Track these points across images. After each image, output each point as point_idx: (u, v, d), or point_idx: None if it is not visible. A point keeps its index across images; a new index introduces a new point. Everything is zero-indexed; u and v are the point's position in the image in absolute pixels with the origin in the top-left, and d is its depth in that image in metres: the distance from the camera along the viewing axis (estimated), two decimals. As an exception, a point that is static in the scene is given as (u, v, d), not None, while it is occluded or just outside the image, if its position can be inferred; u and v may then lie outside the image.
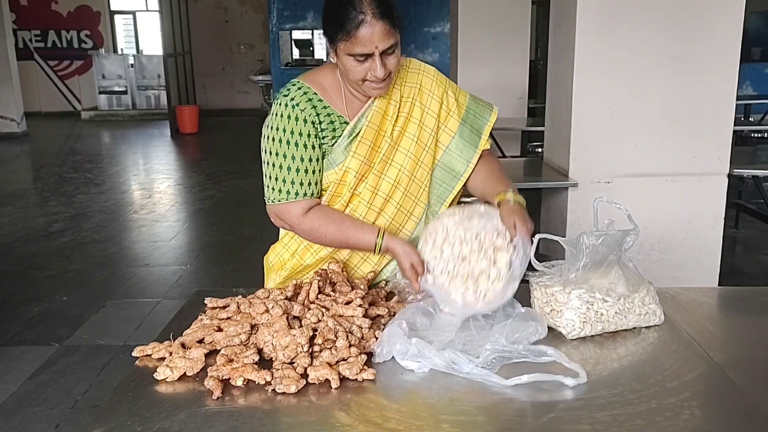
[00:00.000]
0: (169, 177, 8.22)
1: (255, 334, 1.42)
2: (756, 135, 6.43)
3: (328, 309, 1.49)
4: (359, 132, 1.63)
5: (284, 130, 1.59)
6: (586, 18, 3.04)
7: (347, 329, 1.41)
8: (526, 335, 1.41)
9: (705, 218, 3.22)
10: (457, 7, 6.04)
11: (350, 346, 1.35)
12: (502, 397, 1.25)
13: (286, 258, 1.77)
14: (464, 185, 1.77)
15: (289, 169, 1.60)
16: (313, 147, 1.61)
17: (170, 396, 1.27)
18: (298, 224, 1.63)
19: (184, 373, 1.31)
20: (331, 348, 1.35)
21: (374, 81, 1.53)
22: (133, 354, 1.41)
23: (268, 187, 1.63)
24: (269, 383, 1.27)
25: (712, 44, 3.05)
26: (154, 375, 1.31)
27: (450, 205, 1.76)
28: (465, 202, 1.77)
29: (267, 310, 1.45)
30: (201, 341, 1.43)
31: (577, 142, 3.17)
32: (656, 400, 1.23)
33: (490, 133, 1.79)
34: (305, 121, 1.59)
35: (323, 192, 1.68)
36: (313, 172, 1.62)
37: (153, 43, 13.99)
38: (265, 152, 1.62)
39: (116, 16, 14.62)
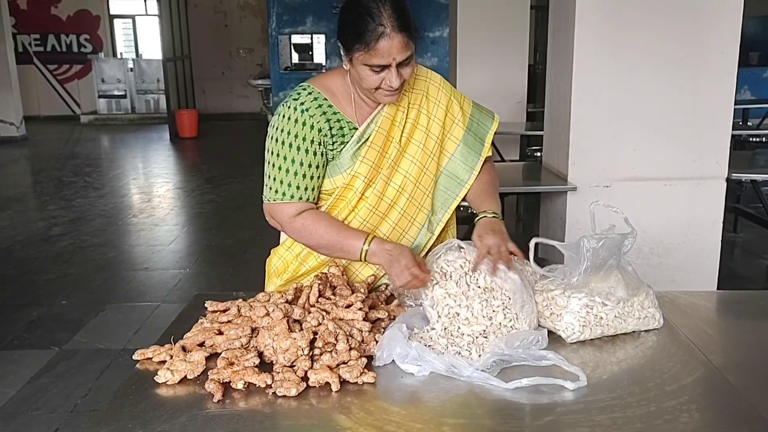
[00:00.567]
0: (169, 181, 8.23)
1: (255, 337, 1.42)
2: (754, 139, 6.44)
3: (328, 312, 1.49)
4: (369, 137, 1.64)
5: (289, 133, 1.59)
6: (585, 23, 3.05)
7: (347, 332, 1.41)
8: (527, 344, 1.41)
9: (704, 222, 3.23)
10: (456, 11, 6.06)
11: (350, 349, 1.36)
12: (501, 401, 1.26)
13: (290, 260, 1.77)
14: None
15: (287, 171, 1.60)
16: (315, 154, 1.61)
17: (171, 399, 1.27)
18: (288, 224, 1.64)
19: (185, 376, 1.32)
20: (331, 351, 1.35)
21: (387, 89, 1.55)
22: (133, 357, 1.41)
23: (268, 187, 1.64)
24: (270, 386, 1.27)
25: (710, 49, 3.06)
26: (154, 378, 1.31)
27: (452, 211, 1.78)
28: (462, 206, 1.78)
29: (267, 314, 1.45)
30: (202, 344, 1.43)
31: (576, 146, 3.18)
32: (655, 404, 1.24)
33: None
34: (312, 127, 1.59)
35: (328, 196, 1.69)
36: (312, 178, 1.63)
37: (152, 48, 14.00)
38: (269, 151, 1.63)
39: (116, 21, 14.64)
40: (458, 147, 1.74)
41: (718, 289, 3.25)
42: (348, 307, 1.50)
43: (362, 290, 1.60)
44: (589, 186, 3.19)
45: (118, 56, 14.40)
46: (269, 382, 1.28)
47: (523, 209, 6.19)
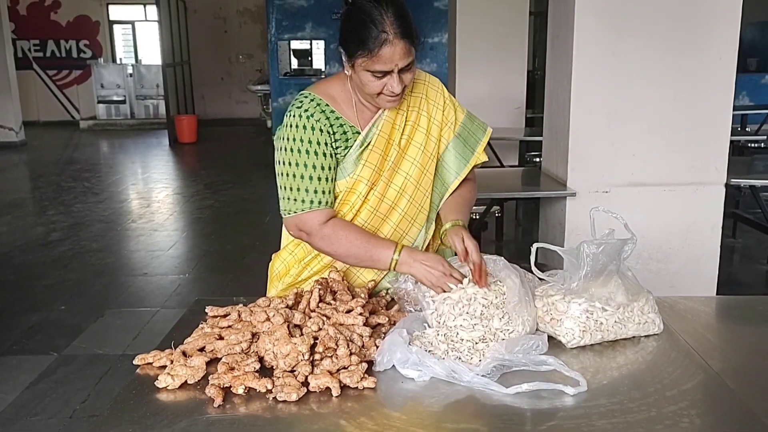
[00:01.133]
0: (168, 186, 8.23)
1: (256, 342, 1.42)
2: (753, 145, 6.46)
3: (328, 317, 1.49)
4: (371, 141, 1.66)
5: (301, 140, 1.60)
6: (584, 29, 3.07)
7: (348, 337, 1.41)
8: (527, 348, 1.41)
9: (703, 227, 3.24)
10: (456, 17, 6.08)
11: (351, 354, 1.36)
12: (502, 406, 1.26)
13: (292, 263, 1.78)
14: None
15: (306, 177, 1.60)
16: (326, 155, 1.62)
17: (171, 404, 1.27)
18: (318, 232, 1.62)
19: (185, 381, 1.32)
20: (331, 356, 1.35)
21: (389, 95, 1.56)
22: (134, 362, 1.41)
23: (286, 198, 1.63)
24: (270, 391, 1.27)
25: (709, 55, 3.07)
26: (155, 383, 1.31)
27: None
28: None
29: (268, 319, 1.45)
30: (202, 349, 1.43)
31: (575, 151, 3.19)
32: (656, 409, 1.24)
33: (486, 147, 1.82)
34: (321, 130, 1.60)
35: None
36: (328, 180, 1.63)
37: (152, 53, 14.03)
38: (281, 164, 1.63)
39: (115, 26, 14.68)
40: (447, 150, 1.76)
41: (717, 294, 3.26)
42: (348, 312, 1.50)
43: (362, 295, 1.60)
44: (589, 191, 3.19)
45: (118, 62, 14.44)
46: (270, 387, 1.28)
47: (523, 215, 6.20)
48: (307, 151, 1.60)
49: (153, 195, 7.73)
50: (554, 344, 1.49)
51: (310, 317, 1.48)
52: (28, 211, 6.95)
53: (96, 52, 14.41)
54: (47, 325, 3.90)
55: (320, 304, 1.55)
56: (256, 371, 1.32)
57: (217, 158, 10.45)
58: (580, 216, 3.18)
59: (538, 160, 4.88)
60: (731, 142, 3.24)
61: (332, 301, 1.57)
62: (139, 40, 14.78)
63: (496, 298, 1.48)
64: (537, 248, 1.56)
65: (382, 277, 1.74)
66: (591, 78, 3.11)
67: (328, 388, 1.28)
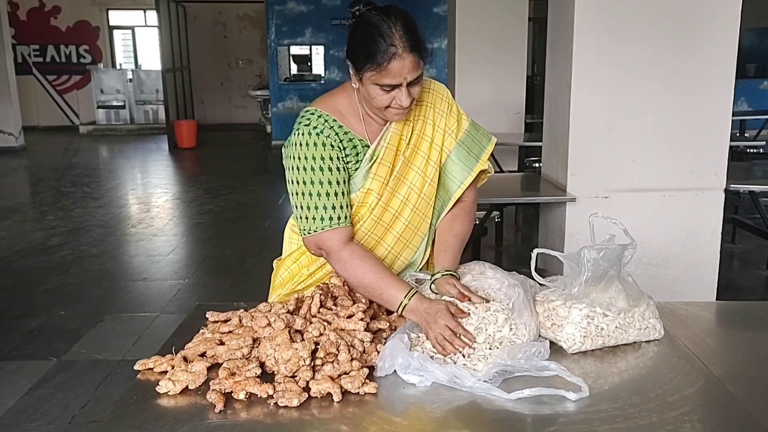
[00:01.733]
0: (167, 191, 8.23)
1: (257, 347, 1.42)
2: (751, 150, 6.47)
3: (329, 323, 1.49)
4: (379, 155, 1.64)
5: (313, 158, 1.57)
6: (583, 35, 3.08)
7: (349, 343, 1.41)
8: (529, 355, 1.41)
9: (702, 233, 3.24)
10: (455, 22, 6.10)
11: (352, 359, 1.36)
12: (503, 411, 1.26)
13: (296, 271, 1.78)
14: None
15: (323, 195, 1.58)
16: (339, 169, 1.59)
17: (172, 409, 1.27)
18: (336, 252, 1.60)
19: (186, 387, 1.32)
20: (333, 362, 1.35)
21: (397, 108, 1.54)
22: (134, 368, 1.41)
23: (303, 218, 1.60)
24: (271, 397, 1.27)
25: (707, 61, 3.09)
26: (155, 388, 1.31)
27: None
28: None
29: (269, 324, 1.45)
30: (203, 355, 1.43)
31: (574, 157, 3.20)
32: (657, 414, 1.24)
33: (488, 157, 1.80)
34: (332, 146, 1.58)
35: None
36: (344, 194, 1.61)
37: (151, 58, 14.06)
38: (295, 183, 1.60)
39: (115, 31, 14.70)
40: (449, 158, 1.72)
41: (716, 299, 3.26)
42: (349, 317, 1.50)
43: (363, 301, 1.60)
44: (588, 197, 3.20)
45: (118, 67, 14.45)
46: (271, 392, 1.28)
47: (522, 220, 6.20)
48: (321, 168, 1.57)
49: (152, 200, 7.73)
50: (555, 350, 1.49)
51: (311, 322, 1.48)
52: (27, 216, 6.94)
53: (96, 58, 14.43)
54: (46, 330, 3.89)
55: (321, 310, 1.55)
56: (258, 376, 1.32)
57: (217, 163, 10.46)
58: (579, 221, 3.18)
59: (537, 165, 4.89)
60: (730, 147, 3.25)
61: (333, 307, 1.57)
62: (138, 45, 14.80)
63: (498, 321, 1.47)
64: (537, 254, 1.57)
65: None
66: (590, 83, 3.11)
67: (329, 394, 1.28)
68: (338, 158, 1.60)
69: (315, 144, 1.57)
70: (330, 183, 1.58)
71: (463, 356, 1.41)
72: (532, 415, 1.25)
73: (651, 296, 1.59)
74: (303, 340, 1.41)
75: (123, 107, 13.83)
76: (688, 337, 1.58)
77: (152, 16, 12.94)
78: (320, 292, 1.59)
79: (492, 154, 1.83)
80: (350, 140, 1.62)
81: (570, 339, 1.49)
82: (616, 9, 3.05)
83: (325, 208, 1.58)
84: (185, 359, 1.40)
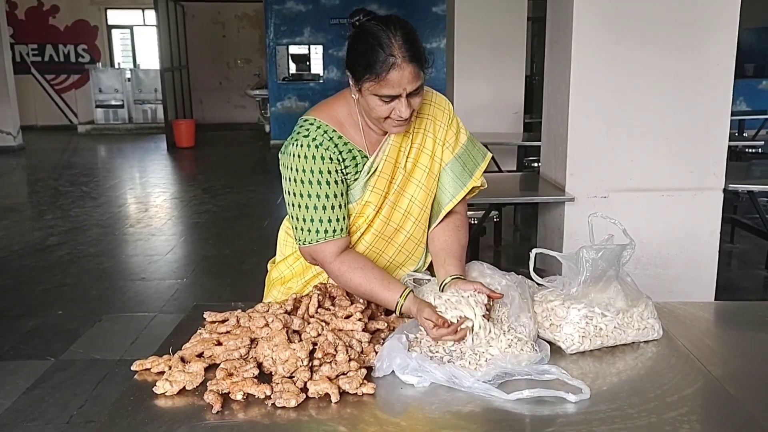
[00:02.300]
0: (166, 191, 8.22)
1: (255, 348, 1.42)
2: (750, 150, 6.48)
3: (327, 323, 1.49)
4: (378, 167, 1.63)
5: (311, 171, 1.55)
6: (582, 34, 3.07)
7: (347, 343, 1.41)
8: (531, 363, 1.40)
9: (701, 233, 3.24)
10: (454, 22, 6.09)
11: (350, 360, 1.35)
12: (502, 412, 1.25)
13: (288, 277, 1.78)
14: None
15: (319, 208, 1.57)
16: (337, 182, 1.58)
17: (169, 410, 1.26)
18: (329, 264, 1.60)
19: (184, 387, 1.31)
20: (330, 362, 1.35)
21: (397, 119, 1.52)
22: (132, 368, 1.40)
23: (299, 229, 1.60)
24: (269, 397, 1.27)
25: (707, 61, 3.08)
26: (153, 389, 1.31)
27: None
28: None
29: (267, 324, 1.45)
30: (200, 355, 1.42)
31: (573, 156, 3.19)
32: (656, 415, 1.24)
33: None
34: (331, 159, 1.57)
35: None
36: (340, 207, 1.60)
37: (150, 58, 14.04)
38: (291, 194, 1.59)
39: (113, 31, 14.68)
40: (444, 171, 1.71)
41: (715, 299, 3.26)
42: (347, 317, 1.50)
43: (361, 301, 1.59)
44: (587, 196, 3.19)
45: (116, 66, 14.44)
46: (268, 393, 1.27)
47: (521, 220, 6.20)
48: (319, 182, 1.56)
49: (151, 199, 7.72)
50: (554, 350, 1.48)
51: (309, 323, 1.48)
52: (25, 216, 6.93)
53: (94, 57, 14.41)
54: (44, 330, 3.89)
55: (319, 310, 1.54)
56: (255, 377, 1.32)
57: (215, 163, 10.45)
58: (578, 221, 3.18)
59: (536, 165, 4.88)
60: (729, 147, 3.25)
61: (331, 307, 1.57)
62: (137, 44, 14.79)
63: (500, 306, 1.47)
64: (536, 254, 1.56)
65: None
66: (589, 83, 3.11)
67: (327, 394, 1.28)
68: (336, 171, 1.58)
69: (314, 157, 1.55)
70: (327, 196, 1.57)
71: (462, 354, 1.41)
72: (530, 415, 1.25)
73: (650, 296, 1.59)
74: (301, 340, 1.41)
75: (121, 107, 13.82)
76: (686, 337, 1.58)
77: (151, 16, 12.94)
78: (318, 292, 1.59)
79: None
80: (350, 151, 1.60)
81: (568, 339, 1.48)
82: (615, 9, 3.04)
83: (320, 221, 1.58)
84: (182, 360, 1.40)
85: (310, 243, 1.59)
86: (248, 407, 1.26)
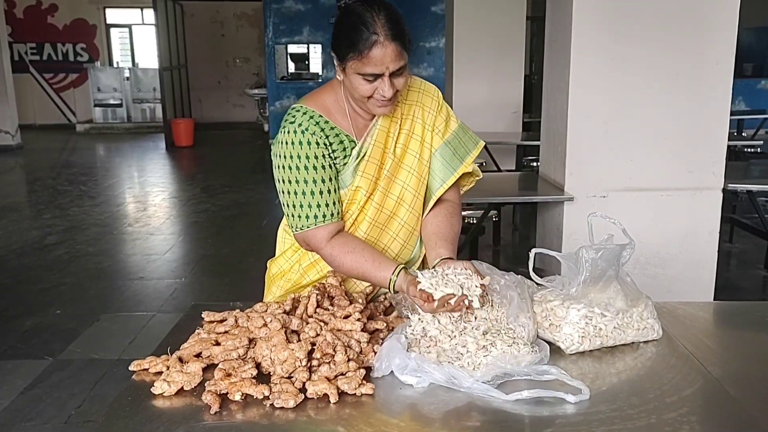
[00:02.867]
0: (164, 190, 8.21)
1: (253, 348, 1.41)
2: (749, 150, 6.47)
3: (326, 323, 1.48)
4: (366, 152, 1.64)
5: (298, 157, 1.58)
6: (582, 34, 3.07)
7: (346, 343, 1.40)
8: (530, 365, 1.39)
9: (700, 232, 3.24)
10: (453, 22, 6.09)
11: (349, 360, 1.35)
12: (502, 412, 1.25)
13: (287, 269, 1.78)
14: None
15: (308, 193, 1.59)
16: (325, 167, 1.60)
17: (167, 411, 1.26)
18: (323, 248, 1.62)
19: (182, 388, 1.31)
20: (329, 362, 1.34)
21: (380, 99, 1.54)
22: (129, 368, 1.40)
23: (291, 216, 1.62)
24: (267, 398, 1.26)
25: (706, 60, 3.08)
26: (151, 389, 1.30)
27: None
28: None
29: (265, 324, 1.44)
30: (198, 355, 1.42)
31: (572, 156, 3.19)
32: (655, 415, 1.23)
33: (483, 152, 1.79)
34: (317, 144, 1.58)
35: None
36: (330, 192, 1.61)
37: (148, 57, 14.01)
38: (282, 182, 1.61)
39: (112, 30, 14.66)
40: (434, 156, 1.71)
41: (714, 299, 3.26)
42: (346, 317, 1.49)
43: (360, 301, 1.59)
44: (586, 196, 3.19)
45: (115, 65, 14.43)
46: (267, 393, 1.27)
47: (520, 219, 6.20)
48: (306, 167, 1.58)
49: (149, 199, 7.71)
50: (553, 350, 1.48)
51: (307, 323, 1.47)
52: (24, 215, 6.92)
53: (93, 56, 14.39)
54: (42, 330, 3.88)
55: (318, 310, 1.54)
56: (253, 377, 1.31)
57: (214, 162, 10.44)
58: (577, 221, 3.18)
59: (535, 164, 4.88)
60: (728, 147, 3.25)
61: (330, 307, 1.56)
62: (136, 43, 14.77)
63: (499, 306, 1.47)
64: (535, 253, 1.56)
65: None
66: (589, 82, 3.11)
67: (325, 395, 1.27)
68: (324, 156, 1.60)
69: (301, 142, 1.58)
70: (315, 181, 1.59)
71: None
72: (530, 416, 1.24)
73: (649, 296, 1.59)
74: (299, 340, 1.40)
75: (120, 105, 13.81)
76: (686, 337, 1.57)
77: (149, 15, 12.92)
78: (317, 292, 1.58)
79: (490, 153, 1.83)
80: (337, 136, 1.62)
81: (568, 339, 1.48)
82: (614, 8, 3.04)
83: (310, 206, 1.59)
84: (180, 360, 1.39)
85: (302, 229, 1.61)
86: (246, 408, 1.26)
